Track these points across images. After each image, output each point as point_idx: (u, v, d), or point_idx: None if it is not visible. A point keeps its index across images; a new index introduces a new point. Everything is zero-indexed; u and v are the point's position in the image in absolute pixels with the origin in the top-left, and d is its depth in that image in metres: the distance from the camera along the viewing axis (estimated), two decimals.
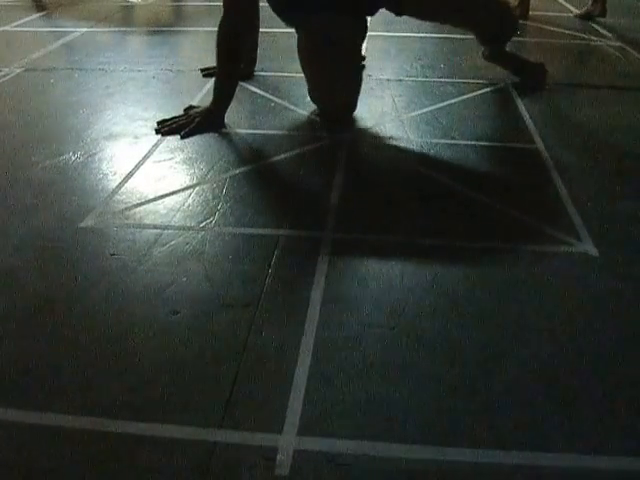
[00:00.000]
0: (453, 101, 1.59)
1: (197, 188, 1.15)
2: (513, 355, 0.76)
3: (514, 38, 1.69)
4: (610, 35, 2.25)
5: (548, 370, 0.74)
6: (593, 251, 0.97)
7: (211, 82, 1.69)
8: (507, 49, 1.73)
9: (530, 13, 2.51)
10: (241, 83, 1.68)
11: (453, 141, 1.37)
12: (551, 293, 0.88)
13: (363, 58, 1.78)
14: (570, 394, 0.71)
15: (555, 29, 2.34)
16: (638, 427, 0.67)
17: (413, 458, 0.63)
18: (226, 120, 1.45)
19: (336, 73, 1.43)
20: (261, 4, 1.47)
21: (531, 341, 0.79)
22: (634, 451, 0.64)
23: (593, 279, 0.91)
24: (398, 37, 2.09)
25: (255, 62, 1.69)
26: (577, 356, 0.76)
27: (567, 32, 2.30)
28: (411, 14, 1.58)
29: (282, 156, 1.28)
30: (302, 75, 1.62)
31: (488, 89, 1.68)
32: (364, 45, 1.66)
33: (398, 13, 1.58)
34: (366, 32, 1.55)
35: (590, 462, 0.63)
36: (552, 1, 2.67)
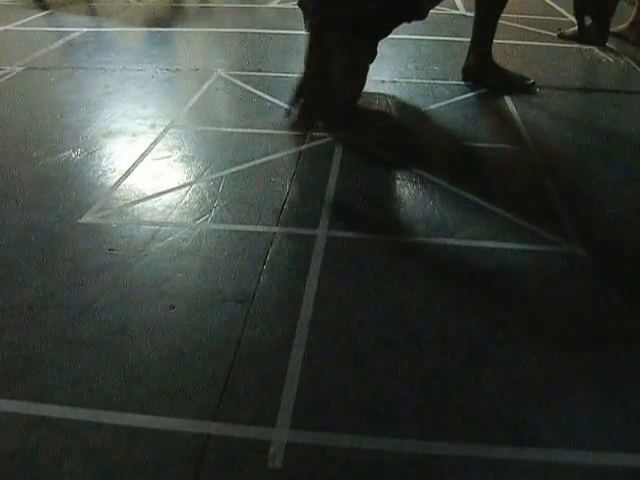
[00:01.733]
0: (446, 103, 1.60)
1: (194, 186, 1.17)
2: (502, 350, 0.78)
3: (497, 40, 1.70)
4: None
5: (534, 365, 0.76)
6: (581, 252, 0.98)
7: (208, 82, 1.72)
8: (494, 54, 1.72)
9: (517, 16, 2.42)
10: (237, 83, 1.70)
11: (445, 142, 1.39)
12: (538, 291, 0.89)
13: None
14: (556, 389, 0.73)
15: (544, 32, 2.35)
16: (622, 423, 0.69)
17: (404, 452, 0.65)
18: (224, 119, 1.47)
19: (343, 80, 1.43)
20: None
21: (519, 337, 0.80)
22: (618, 447, 0.66)
23: (580, 278, 0.93)
24: (392, 39, 2.09)
25: None
26: (563, 351, 0.78)
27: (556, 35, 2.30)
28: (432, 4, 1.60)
29: (277, 155, 1.30)
30: (297, 76, 1.62)
31: (480, 91, 1.69)
32: None
33: (423, 16, 1.58)
34: (375, 56, 1.59)
35: (575, 457, 0.64)
36: (539, 3, 2.68)
